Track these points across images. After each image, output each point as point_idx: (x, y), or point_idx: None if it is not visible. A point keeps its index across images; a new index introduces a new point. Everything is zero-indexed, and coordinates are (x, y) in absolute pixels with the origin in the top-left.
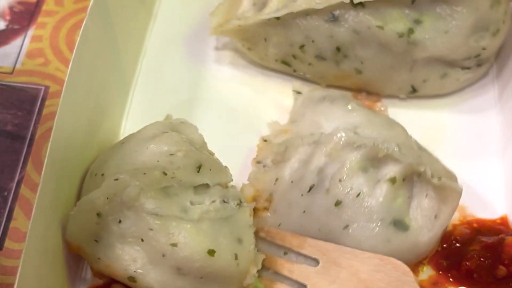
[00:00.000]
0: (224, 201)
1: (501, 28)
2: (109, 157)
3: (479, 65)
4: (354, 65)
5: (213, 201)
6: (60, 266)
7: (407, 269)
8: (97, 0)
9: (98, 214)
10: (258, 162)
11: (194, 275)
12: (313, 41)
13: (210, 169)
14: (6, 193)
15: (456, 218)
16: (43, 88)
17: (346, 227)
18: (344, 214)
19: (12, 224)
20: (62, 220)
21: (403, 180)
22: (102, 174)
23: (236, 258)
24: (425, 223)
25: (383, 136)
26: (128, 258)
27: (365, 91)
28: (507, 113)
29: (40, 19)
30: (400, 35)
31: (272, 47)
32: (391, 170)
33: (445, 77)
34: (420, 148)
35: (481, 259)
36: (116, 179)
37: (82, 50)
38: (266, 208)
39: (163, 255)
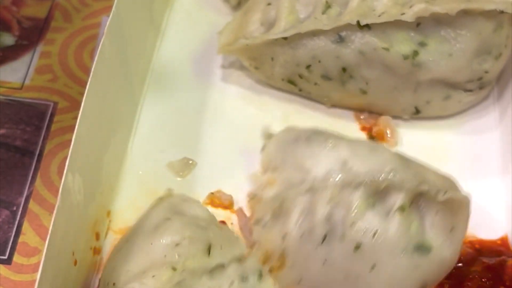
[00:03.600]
0: (243, 279)
1: (503, 52)
2: (117, 262)
3: (481, 87)
4: (359, 86)
5: (231, 284)
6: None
7: None
8: (113, 19)
9: None
10: (257, 222)
11: None
12: (319, 61)
13: (221, 247)
14: (15, 208)
15: None
16: (51, 104)
17: (373, 267)
18: (367, 255)
19: (21, 239)
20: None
21: (410, 204)
22: (114, 284)
23: None
24: (444, 238)
25: (374, 165)
26: None
27: (369, 111)
28: (508, 135)
29: (49, 35)
30: (405, 57)
31: (278, 67)
32: (397, 198)
33: (448, 99)
34: (408, 160)
35: (483, 279)
36: None
37: (99, 69)
38: (281, 266)
39: None
